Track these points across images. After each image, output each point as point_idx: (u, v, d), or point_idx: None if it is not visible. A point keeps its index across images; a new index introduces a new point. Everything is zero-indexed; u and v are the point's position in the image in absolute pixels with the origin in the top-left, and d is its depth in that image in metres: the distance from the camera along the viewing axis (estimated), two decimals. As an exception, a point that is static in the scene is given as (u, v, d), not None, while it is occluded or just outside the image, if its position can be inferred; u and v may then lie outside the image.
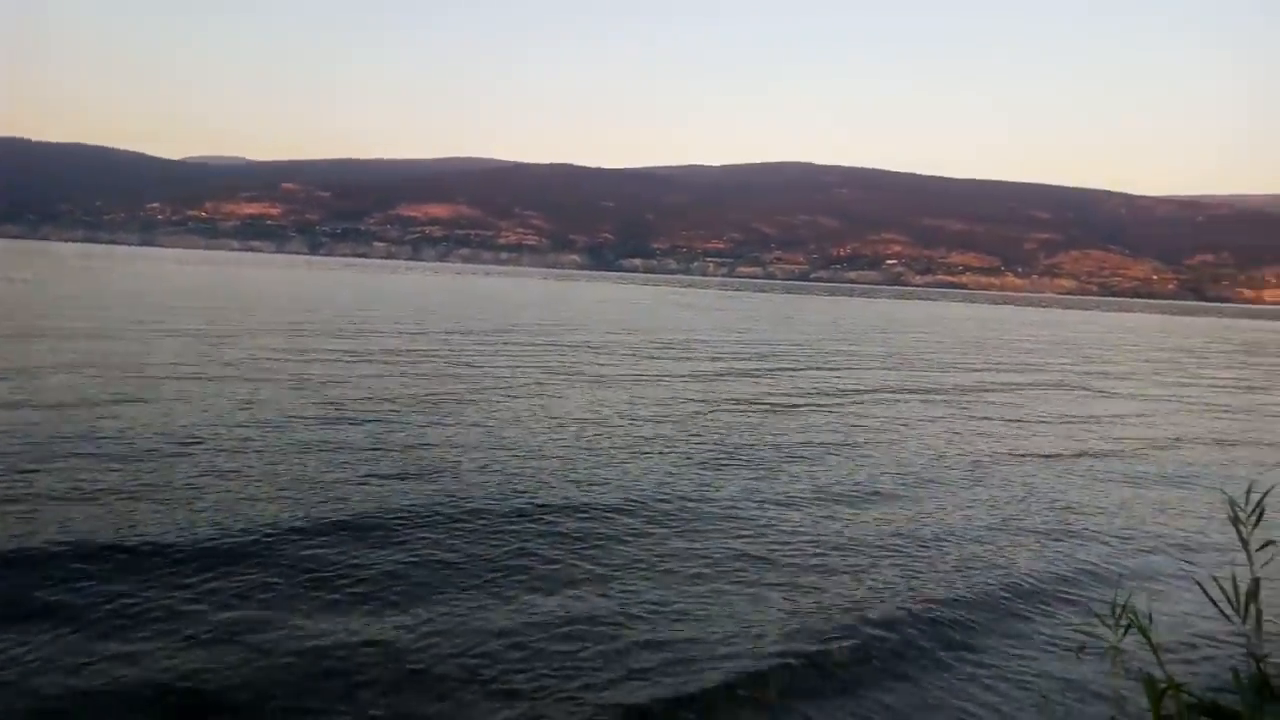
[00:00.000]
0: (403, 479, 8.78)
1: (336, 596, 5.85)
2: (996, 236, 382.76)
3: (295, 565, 6.32)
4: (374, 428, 11.32)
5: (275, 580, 6.04)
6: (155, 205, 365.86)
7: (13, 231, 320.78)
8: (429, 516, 7.54)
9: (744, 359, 24.68)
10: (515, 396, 14.75)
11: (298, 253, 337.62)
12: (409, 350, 21.74)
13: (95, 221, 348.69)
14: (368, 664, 4.95)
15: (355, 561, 6.47)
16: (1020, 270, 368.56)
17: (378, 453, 9.94)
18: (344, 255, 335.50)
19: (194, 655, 4.93)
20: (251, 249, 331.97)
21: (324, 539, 6.89)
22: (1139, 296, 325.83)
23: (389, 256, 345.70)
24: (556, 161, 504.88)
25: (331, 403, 13.23)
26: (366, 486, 8.39)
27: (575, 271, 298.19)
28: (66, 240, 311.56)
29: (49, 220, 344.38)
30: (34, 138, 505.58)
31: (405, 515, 7.58)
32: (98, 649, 4.97)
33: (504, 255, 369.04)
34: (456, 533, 7.22)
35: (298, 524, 7.14)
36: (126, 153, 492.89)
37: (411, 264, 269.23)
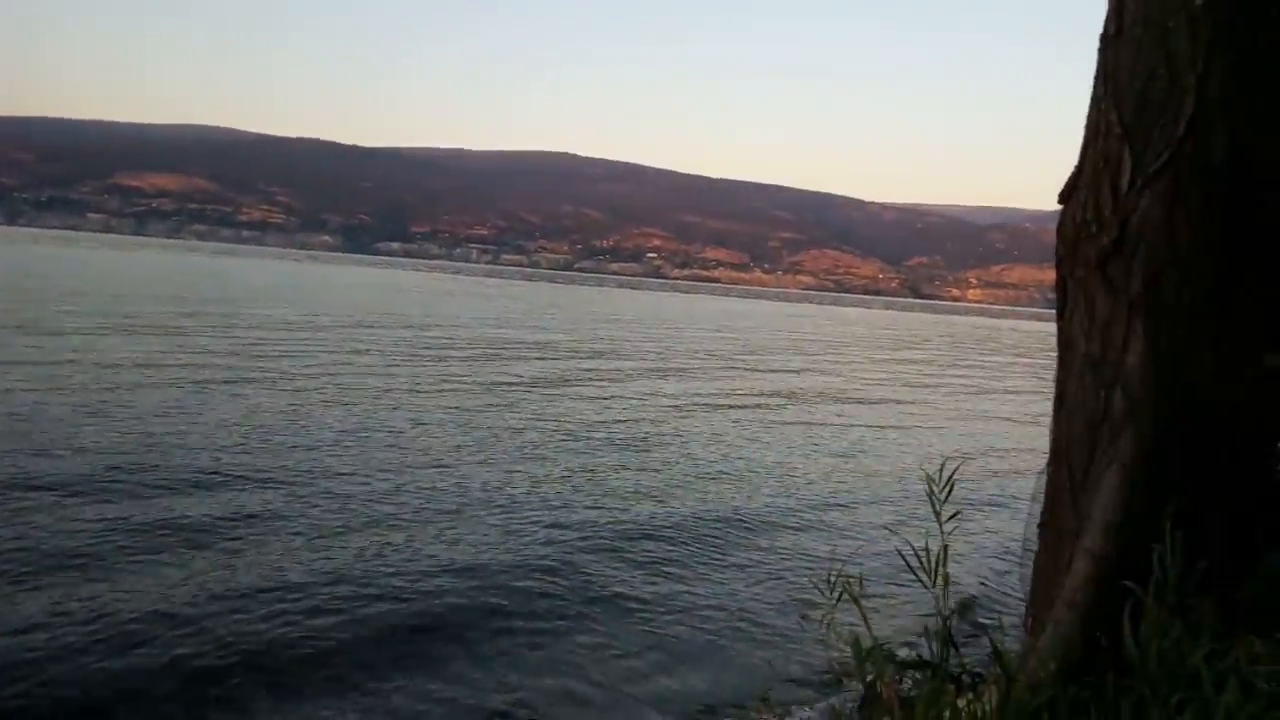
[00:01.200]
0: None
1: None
2: (746, 234, 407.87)
3: None
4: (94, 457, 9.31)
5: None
6: None
7: None
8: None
9: (521, 357, 24.50)
10: (262, 409, 13.56)
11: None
12: (118, 350, 19.50)
13: None
14: None
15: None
16: (767, 266, 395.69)
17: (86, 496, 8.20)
18: (52, 227, 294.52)
19: None
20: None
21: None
22: (868, 293, 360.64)
23: (107, 230, 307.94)
24: (306, 136, 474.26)
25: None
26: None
27: (328, 254, 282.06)
28: None
29: None
30: None
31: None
32: None
33: (245, 234, 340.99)
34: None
35: None
36: None
37: (137, 239, 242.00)
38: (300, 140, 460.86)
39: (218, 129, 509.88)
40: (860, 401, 19.40)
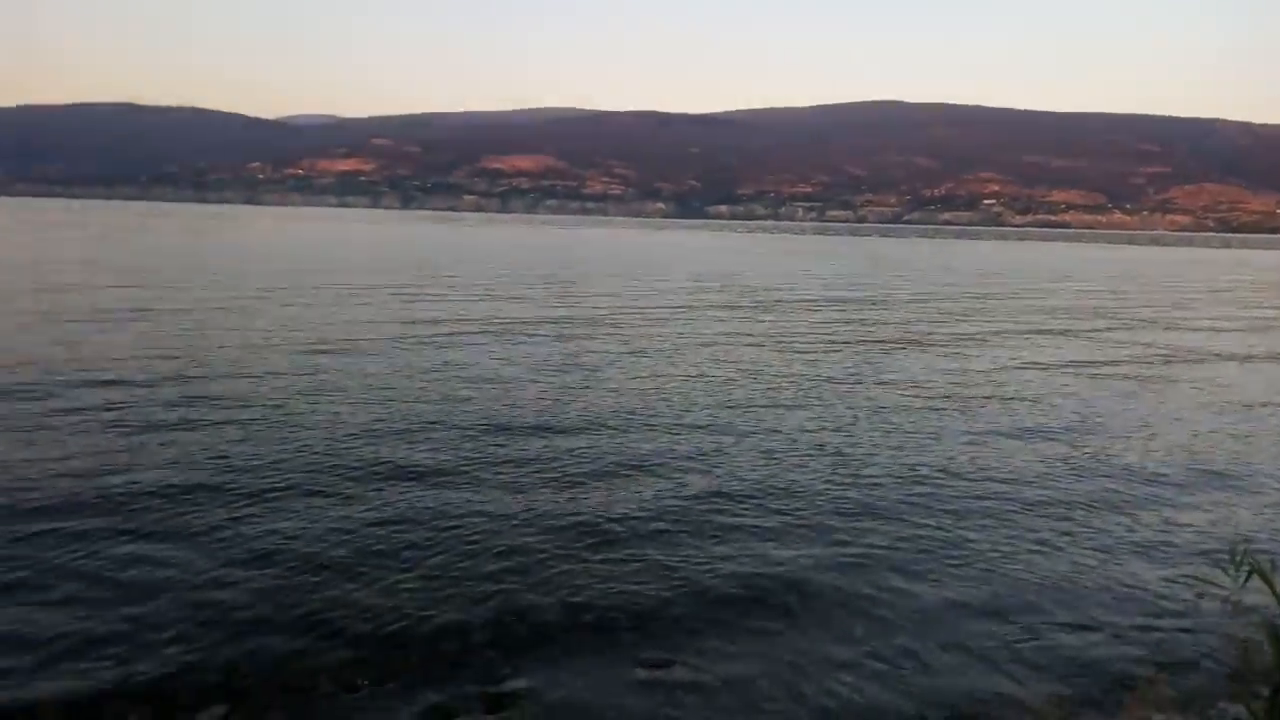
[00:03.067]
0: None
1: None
2: (1101, 172, 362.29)
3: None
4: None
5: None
6: (256, 165, 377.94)
7: (127, 193, 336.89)
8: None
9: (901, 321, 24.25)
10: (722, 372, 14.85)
11: (391, 207, 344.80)
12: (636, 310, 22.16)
13: (202, 181, 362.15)
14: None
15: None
16: (1128, 207, 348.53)
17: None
18: (436, 209, 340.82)
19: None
20: (347, 205, 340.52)
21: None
22: (1261, 232, 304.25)
23: (478, 209, 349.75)
24: (639, 109, 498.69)
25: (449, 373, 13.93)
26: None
27: (663, 220, 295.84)
28: (177, 201, 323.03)
29: (160, 181, 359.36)
30: (141, 101, 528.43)
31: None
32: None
33: (590, 205, 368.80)
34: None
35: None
36: (224, 114, 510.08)
37: (503, 216, 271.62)
38: (632, 114, 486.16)
39: (561, 109, 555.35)
40: None
